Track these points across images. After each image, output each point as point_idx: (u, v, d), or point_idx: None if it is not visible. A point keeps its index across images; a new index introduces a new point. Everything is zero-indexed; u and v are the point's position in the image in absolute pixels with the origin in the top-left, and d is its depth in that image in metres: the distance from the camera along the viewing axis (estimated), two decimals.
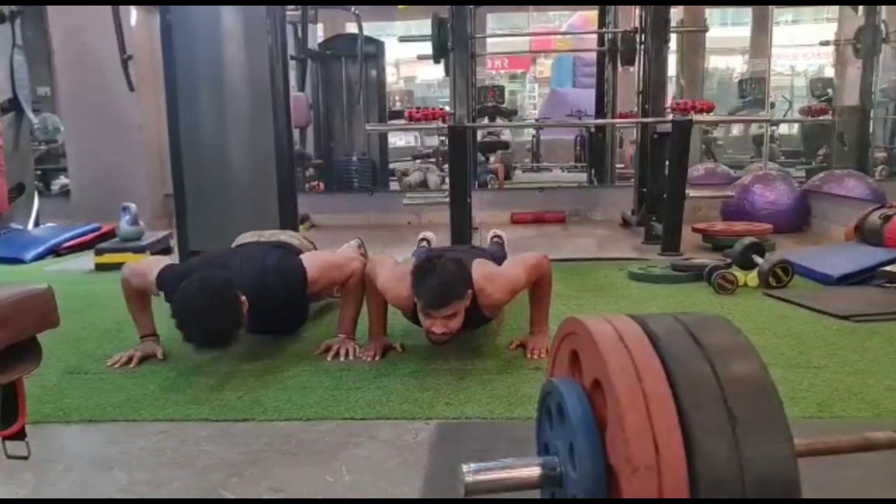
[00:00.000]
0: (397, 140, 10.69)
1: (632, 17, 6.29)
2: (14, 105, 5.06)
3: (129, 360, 2.42)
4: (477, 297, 2.28)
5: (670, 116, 4.53)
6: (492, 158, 8.69)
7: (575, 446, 0.99)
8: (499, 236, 3.48)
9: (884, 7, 6.24)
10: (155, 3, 4.24)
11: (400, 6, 10.43)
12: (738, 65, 12.69)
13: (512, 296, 2.40)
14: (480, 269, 2.34)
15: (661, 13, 4.94)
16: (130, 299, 2.51)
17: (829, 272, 3.38)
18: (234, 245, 2.87)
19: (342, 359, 2.42)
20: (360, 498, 1.53)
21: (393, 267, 2.46)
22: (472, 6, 5.48)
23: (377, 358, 2.41)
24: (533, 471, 1.05)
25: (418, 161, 8.56)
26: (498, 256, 3.03)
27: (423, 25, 6.59)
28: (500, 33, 11.44)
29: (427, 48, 6.35)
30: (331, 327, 2.70)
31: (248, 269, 2.43)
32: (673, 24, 5.42)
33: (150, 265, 2.49)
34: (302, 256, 2.58)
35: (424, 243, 3.44)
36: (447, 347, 2.52)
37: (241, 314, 2.23)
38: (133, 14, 5.48)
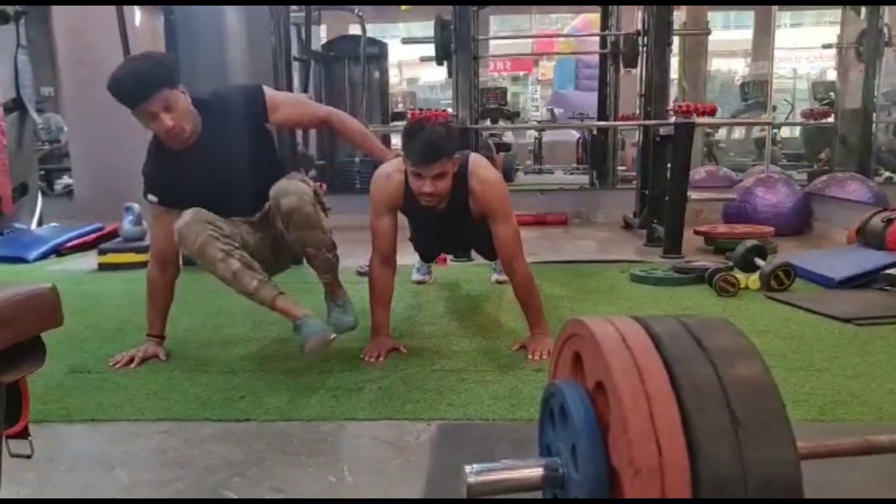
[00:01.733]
0: (398, 140, 10.70)
1: (634, 19, 6.30)
2: (18, 105, 5.07)
3: (131, 360, 2.42)
4: (468, 180, 2.37)
5: (672, 119, 4.54)
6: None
7: (577, 448, 0.99)
8: None
9: (886, 10, 6.24)
10: (160, 4, 4.25)
11: (403, 6, 10.44)
12: (740, 67, 12.70)
13: (499, 201, 2.43)
14: (478, 159, 2.45)
15: (664, 16, 4.95)
16: (151, 294, 2.50)
17: (830, 275, 3.38)
18: None
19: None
20: (361, 498, 1.53)
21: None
22: (474, 7, 5.50)
23: (381, 359, 2.42)
24: (535, 472, 1.05)
25: None
26: None
27: (426, 27, 6.61)
28: (503, 35, 11.45)
29: (430, 50, 6.36)
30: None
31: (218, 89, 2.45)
32: (675, 26, 5.43)
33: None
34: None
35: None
36: (449, 349, 2.53)
37: (173, 67, 2.25)
38: (137, 14, 5.50)
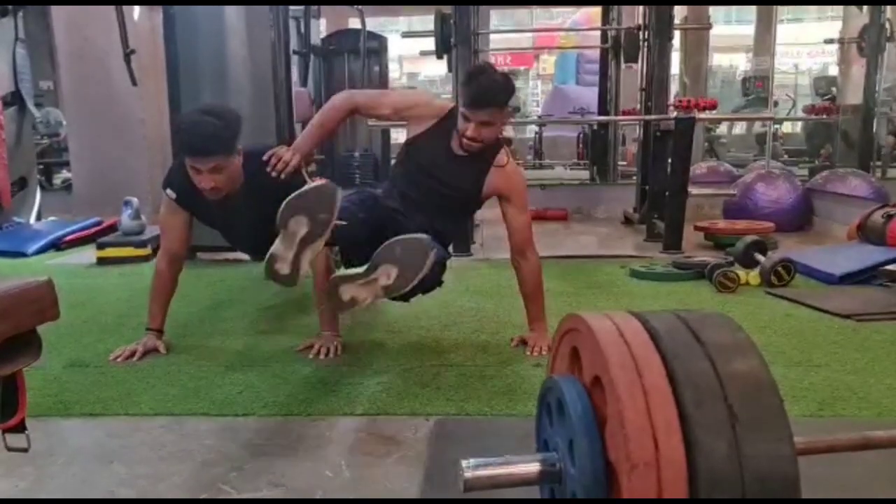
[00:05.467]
0: (400, 136, 10.68)
1: (635, 14, 6.28)
2: (16, 99, 5.06)
3: (132, 354, 2.42)
4: (500, 155, 2.37)
5: (673, 114, 4.52)
6: None
7: (574, 443, 0.99)
8: None
9: (889, 5, 6.23)
10: (159, 4, 4.23)
11: None
12: (741, 63, 12.67)
13: (523, 188, 2.43)
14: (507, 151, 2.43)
15: (665, 10, 4.93)
16: (156, 289, 2.51)
17: (831, 271, 3.37)
18: None
19: (322, 357, 2.40)
20: (361, 498, 1.53)
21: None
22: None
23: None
24: (532, 467, 1.05)
25: None
26: None
27: (427, 21, 6.58)
28: (504, 29, 11.43)
29: (430, 44, 6.34)
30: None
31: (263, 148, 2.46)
32: (676, 21, 5.42)
33: (160, 213, 2.59)
34: None
35: None
36: (447, 344, 2.53)
37: (237, 128, 2.28)
38: (136, 8, 5.48)
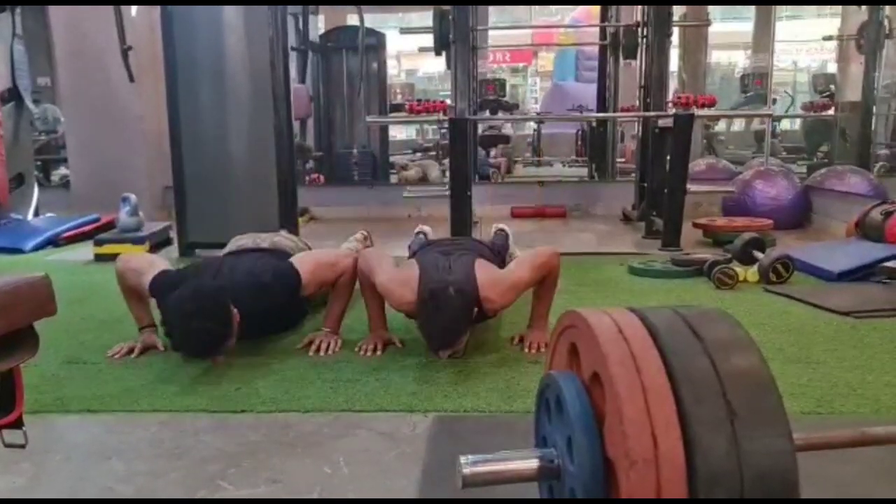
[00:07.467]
0: (398, 133, 10.68)
1: (634, 10, 6.27)
2: (14, 95, 5.04)
3: (130, 350, 2.42)
4: (481, 305, 2.29)
5: (672, 111, 4.52)
6: (493, 152, 8.67)
7: (573, 439, 0.99)
8: (502, 229, 3.46)
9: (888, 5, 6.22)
10: (156, 4, 4.22)
11: None
12: (740, 60, 12.64)
13: (515, 297, 2.40)
14: (484, 275, 2.33)
15: (664, 7, 4.93)
16: (127, 292, 2.51)
17: (829, 268, 3.37)
18: (228, 248, 2.88)
19: (322, 353, 2.41)
20: (361, 498, 1.53)
21: (392, 269, 2.45)
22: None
23: (378, 352, 2.41)
24: (531, 463, 1.05)
25: (418, 154, 8.51)
26: (499, 247, 3.02)
27: (425, 17, 6.57)
28: (502, 26, 11.40)
29: (429, 40, 6.33)
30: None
31: (240, 276, 2.44)
32: (675, 18, 5.41)
33: (144, 267, 2.46)
34: (293, 259, 2.57)
35: (421, 236, 3.43)
36: None
37: (231, 324, 2.20)
38: (133, 6, 5.46)
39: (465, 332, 2.26)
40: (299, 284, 2.45)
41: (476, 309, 2.28)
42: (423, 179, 7.25)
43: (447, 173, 4.62)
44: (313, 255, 2.73)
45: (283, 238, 3.02)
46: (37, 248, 4.57)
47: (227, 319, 2.19)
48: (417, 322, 2.30)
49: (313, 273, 2.49)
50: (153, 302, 2.46)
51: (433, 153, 8.40)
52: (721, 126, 9.41)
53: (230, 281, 2.39)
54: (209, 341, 2.17)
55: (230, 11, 4.03)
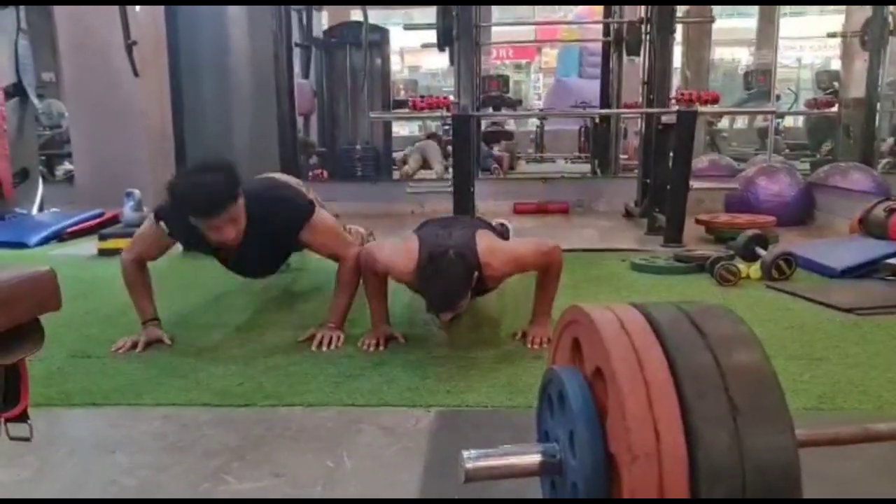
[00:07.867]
0: (401, 129, 10.67)
1: (638, 7, 6.25)
2: (18, 90, 5.05)
3: (135, 345, 2.42)
4: (481, 271, 2.30)
5: (675, 107, 4.51)
6: (496, 149, 8.66)
7: (575, 434, 0.99)
8: (503, 224, 3.47)
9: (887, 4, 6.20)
10: (162, 4, 4.22)
11: None
12: (743, 56, 12.62)
13: (515, 269, 2.42)
14: (484, 243, 2.36)
15: (667, 4, 4.91)
16: (132, 285, 2.51)
17: (832, 265, 3.37)
18: None
19: (325, 349, 2.40)
20: (361, 498, 1.53)
21: (394, 244, 2.49)
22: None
23: (381, 348, 2.42)
24: (533, 458, 1.05)
25: (417, 145, 8.39)
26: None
27: (429, 13, 6.56)
28: (506, 22, 11.38)
29: (432, 36, 6.32)
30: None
31: (256, 184, 2.45)
32: (679, 14, 5.39)
33: (139, 230, 2.55)
34: (316, 209, 2.55)
35: None
36: (448, 337, 2.53)
37: (237, 185, 2.23)
38: None
39: (465, 296, 2.25)
40: (303, 225, 2.44)
41: (476, 274, 2.28)
42: (425, 166, 7.18)
43: (450, 169, 4.62)
44: (331, 220, 2.69)
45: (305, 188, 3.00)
46: (41, 242, 4.58)
47: (234, 179, 2.24)
48: (419, 287, 2.32)
49: (323, 231, 2.50)
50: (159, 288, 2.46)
51: (431, 134, 8.33)
52: (724, 123, 9.40)
53: (248, 184, 2.39)
54: (215, 193, 2.19)
55: (234, 7, 4.03)
